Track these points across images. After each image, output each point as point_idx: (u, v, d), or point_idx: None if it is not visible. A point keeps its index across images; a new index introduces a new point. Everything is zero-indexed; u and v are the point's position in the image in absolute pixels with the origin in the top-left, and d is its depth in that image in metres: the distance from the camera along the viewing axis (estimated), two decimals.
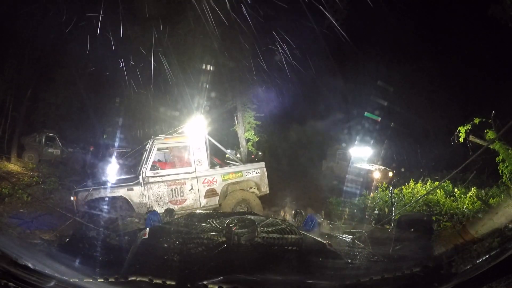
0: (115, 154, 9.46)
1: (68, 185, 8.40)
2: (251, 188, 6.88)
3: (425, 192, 6.41)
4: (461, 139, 6.00)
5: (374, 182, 9.19)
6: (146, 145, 6.62)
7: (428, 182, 7.30)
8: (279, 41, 11.19)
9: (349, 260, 2.16)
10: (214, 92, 11.56)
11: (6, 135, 12.27)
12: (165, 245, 2.07)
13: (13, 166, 10.78)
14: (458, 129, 6.05)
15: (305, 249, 2.06)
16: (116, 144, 12.13)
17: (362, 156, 12.00)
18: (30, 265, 1.20)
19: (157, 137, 6.59)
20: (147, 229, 2.60)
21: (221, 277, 1.57)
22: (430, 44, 13.01)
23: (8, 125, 12.45)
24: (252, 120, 13.37)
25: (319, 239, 2.41)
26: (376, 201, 7.35)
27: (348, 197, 8.17)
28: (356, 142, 12.43)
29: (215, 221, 2.36)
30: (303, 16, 11.32)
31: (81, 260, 1.73)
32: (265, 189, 7.08)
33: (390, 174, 10.94)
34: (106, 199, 5.91)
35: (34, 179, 9.49)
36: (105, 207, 5.80)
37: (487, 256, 1.34)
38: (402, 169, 11.48)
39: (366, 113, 12.52)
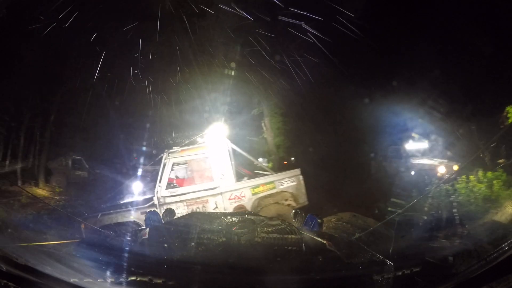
0: (142, 173, 8.62)
1: (80, 210, 7.50)
2: (286, 200, 5.96)
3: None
4: (510, 120, 5.47)
5: (440, 178, 8.02)
6: (160, 160, 5.82)
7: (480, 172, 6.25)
8: (312, 37, 10.21)
9: (349, 260, 2.16)
10: (238, 97, 10.73)
11: (36, 162, 12.45)
12: (165, 245, 2.08)
13: (40, 191, 10.89)
14: (506, 109, 5.56)
15: (305, 249, 2.06)
16: (144, 163, 11.21)
17: (419, 151, 11.11)
18: (30, 265, 1.21)
19: (171, 150, 5.81)
20: (147, 229, 2.61)
21: (221, 277, 1.58)
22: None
23: (37, 151, 12.62)
24: (281, 125, 12.25)
25: (319, 239, 2.40)
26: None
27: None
28: (412, 137, 11.36)
29: (215, 221, 2.36)
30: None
31: (81, 260, 1.73)
32: (303, 200, 6.07)
33: (455, 167, 9.54)
34: (116, 225, 5.22)
35: (60, 203, 9.57)
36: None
37: (487, 256, 1.34)
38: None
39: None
